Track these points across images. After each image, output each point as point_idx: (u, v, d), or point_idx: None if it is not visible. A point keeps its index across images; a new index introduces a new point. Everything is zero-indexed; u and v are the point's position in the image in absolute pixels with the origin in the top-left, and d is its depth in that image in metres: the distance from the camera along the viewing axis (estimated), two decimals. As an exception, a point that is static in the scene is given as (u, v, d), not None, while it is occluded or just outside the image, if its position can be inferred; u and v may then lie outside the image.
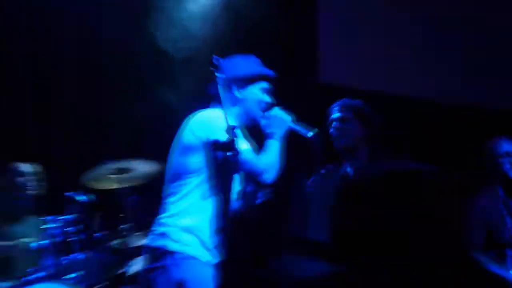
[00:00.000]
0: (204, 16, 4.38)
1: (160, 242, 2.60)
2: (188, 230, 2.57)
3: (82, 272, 3.56)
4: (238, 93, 2.75)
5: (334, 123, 3.17)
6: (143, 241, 3.07)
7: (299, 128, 2.74)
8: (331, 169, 3.20)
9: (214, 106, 2.70)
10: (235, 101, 2.78)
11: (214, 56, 2.53)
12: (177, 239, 2.57)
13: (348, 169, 3.14)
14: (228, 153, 2.49)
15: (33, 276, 3.44)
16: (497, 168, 3.54)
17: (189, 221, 2.60)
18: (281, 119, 2.75)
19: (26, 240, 3.71)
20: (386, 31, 5.15)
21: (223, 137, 2.46)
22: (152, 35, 4.30)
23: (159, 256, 2.63)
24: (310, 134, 2.68)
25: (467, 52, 5.17)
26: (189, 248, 2.59)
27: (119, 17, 4.42)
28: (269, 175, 2.62)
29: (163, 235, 2.60)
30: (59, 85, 4.51)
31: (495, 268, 3.44)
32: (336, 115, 3.17)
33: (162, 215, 2.65)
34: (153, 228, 2.67)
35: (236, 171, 2.64)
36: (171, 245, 2.56)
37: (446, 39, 5.17)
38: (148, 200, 3.09)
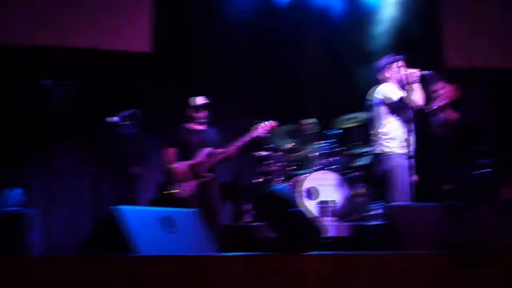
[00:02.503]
0: (376, 31, 7.99)
1: (378, 148, 5.77)
2: (390, 139, 5.59)
3: (336, 165, 7.23)
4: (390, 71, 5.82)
5: None
6: (367, 149, 6.65)
7: (423, 73, 5.50)
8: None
9: (382, 82, 5.80)
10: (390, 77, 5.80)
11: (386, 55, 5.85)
12: (386, 145, 5.62)
13: None
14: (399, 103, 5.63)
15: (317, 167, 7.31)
16: None
17: (390, 136, 5.58)
18: (411, 74, 5.49)
19: (309, 152, 7.51)
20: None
21: (395, 95, 5.66)
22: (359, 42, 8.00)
23: (378, 156, 5.73)
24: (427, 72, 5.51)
25: None
26: (393, 149, 5.60)
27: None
28: (417, 105, 5.48)
29: (379, 144, 5.75)
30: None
31: None
32: None
33: (375, 136, 5.76)
34: (372, 142, 5.87)
35: (405, 109, 5.57)
36: (384, 149, 5.67)
37: None
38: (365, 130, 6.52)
